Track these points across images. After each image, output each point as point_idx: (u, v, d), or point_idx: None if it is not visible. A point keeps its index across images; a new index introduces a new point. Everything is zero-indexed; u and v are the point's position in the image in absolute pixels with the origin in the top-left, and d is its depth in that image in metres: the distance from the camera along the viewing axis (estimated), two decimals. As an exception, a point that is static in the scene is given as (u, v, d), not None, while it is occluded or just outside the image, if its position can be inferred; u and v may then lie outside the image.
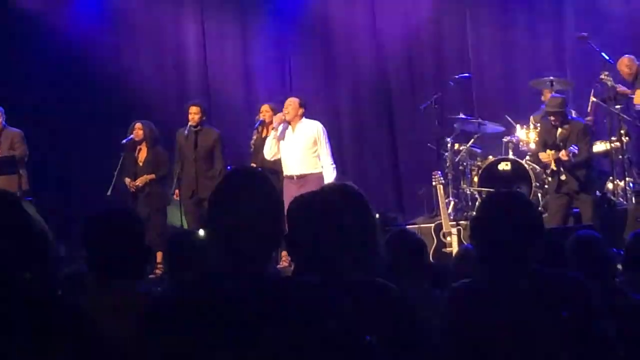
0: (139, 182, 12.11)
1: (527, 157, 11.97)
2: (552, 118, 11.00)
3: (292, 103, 11.15)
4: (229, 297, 2.83)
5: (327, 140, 11.15)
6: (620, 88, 11.70)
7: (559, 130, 10.99)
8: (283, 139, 11.08)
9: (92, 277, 4.03)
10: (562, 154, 10.73)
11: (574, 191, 10.93)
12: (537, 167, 11.83)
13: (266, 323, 2.78)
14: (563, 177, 10.94)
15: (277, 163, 11.22)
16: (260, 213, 2.91)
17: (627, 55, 12.14)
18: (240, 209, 2.91)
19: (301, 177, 10.92)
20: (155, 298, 3.06)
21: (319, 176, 10.91)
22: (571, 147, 10.71)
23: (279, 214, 3.02)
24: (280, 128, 11.09)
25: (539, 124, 11.80)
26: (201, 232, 5.39)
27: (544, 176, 11.57)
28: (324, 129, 11.18)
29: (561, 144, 10.92)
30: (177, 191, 12.11)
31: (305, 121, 11.16)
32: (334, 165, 11.11)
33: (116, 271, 3.89)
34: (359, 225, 3.56)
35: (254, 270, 2.89)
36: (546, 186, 11.51)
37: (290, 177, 11.00)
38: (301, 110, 11.13)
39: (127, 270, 3.93)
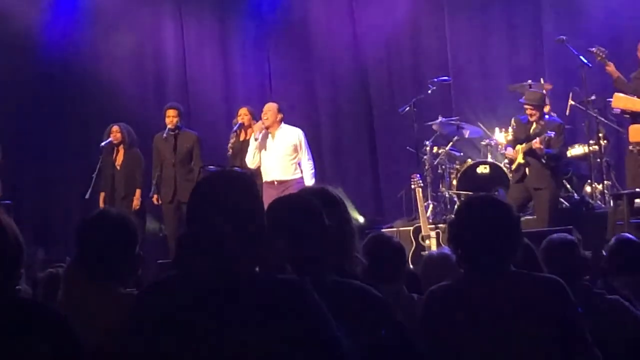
0: (136, 201, 12.09)
1: (505, 161, 11.96)
2: (528, 111, 11.01)
3: (271, 109, 11.20)
4: (207, 297, 2.87)
5: (307, 146, 11.23)
6: (611, 67, 11.66)
7: (534, 125, 11.02)
8: (265, 147, 11.10)
9: (77, 276, 4.03)
10: (535, 142, 10.73)
11: (533, 188, 10.93)
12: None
13: (244, 321, 2.82)
14: (528, 172, 10.95)
15: (257, 167, 11.26)
16: (237, 215, 2.93)
17: None
18: (215, 210, 2.93)
19: (281, 183, 10.95)
20: (139, 295, 3.06)
21: (299, 181, 10.97)
22: (547, 132, 10.72)
23: (258, 215, 3.03)
24: (261, 136, 11.10)
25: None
26: None
27: (509, 172, 11.50)
28: (304, 135, 11.24)
29: (535, 137, 10.96)
30: (156, 196, 12.06)
31: (284, 127, 11.21)
32: (314, 171, 11.18)
33: (103, 273, 3.91)
34: (336, 228, 3.57)
35: (232, 270, 2.91)
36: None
37: (271, 183, 11.04)
38: (280, 116, 11.18)
39: (114, 273, 3.95)
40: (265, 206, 3.22)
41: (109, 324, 3.43)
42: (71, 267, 4.20)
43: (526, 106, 11.06)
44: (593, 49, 11.48)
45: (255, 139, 11.14)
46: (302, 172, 11.15)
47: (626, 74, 11.20)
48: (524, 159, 10.97)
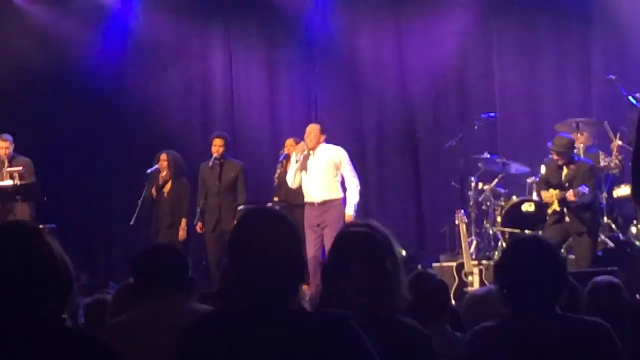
0: (182, 231, 12.13)
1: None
2: (555, 157, 10.98)
3: (313, 130, 11.21)
4: (252, 333, 2.93)
5: (350, 162, 11.19)
6: None
7: (565, 170, 10.95)
8: (305, 168, 11.09)
9: (140, 293, 4.26)
10: (570, 194, 10.65)
11: (576, 233, 10.85)
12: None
13: (290, 355, 2.89)
14: (567, 219, 10.86)
15: (301, 196, 11.26)
16: (277, 253, 3.02)
17: None
18: (256, 249, 3.01)
19: (322, 204, 10.94)
20: (185, 330, 3.12)
21: (340, 202, 10.96)
22: (580, 187, 10.63)
23: (298, 251, 3.10)
24: (302, 157, 11.11)
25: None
26: None
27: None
28: (345, 152, 11.23)
29: (567, 184, 10.87)
30: (200, 224, 12.11)
31: (325, 146, 11.20)
32: (359, 188, 11.15)
33: (164, 289, 4.17)
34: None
35: (275, 306, 2.98)
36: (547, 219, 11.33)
37: (312, 204, 11.03)
38: (322, 137, 11.19)
39: (174, 289, 4.20)
40: (306, 226, 3.28)
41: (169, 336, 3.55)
42: (125, 289, 4.40)
43: (552, 150, 11.03)
44: (638, 94, 11.41)
45: (297, 161, 11.13)
46: (344, 191, 11.12)
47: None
48: (559, 206, 10.90)
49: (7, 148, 12.24)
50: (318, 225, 10.89)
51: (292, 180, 11.21)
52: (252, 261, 3.00)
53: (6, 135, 12.35)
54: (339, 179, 11.16)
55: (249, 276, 3.00)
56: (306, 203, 11.08)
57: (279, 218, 3.15)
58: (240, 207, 11.56)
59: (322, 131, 11.25)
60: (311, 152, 11.15)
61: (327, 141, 11.32)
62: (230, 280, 3.08)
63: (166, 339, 3.58)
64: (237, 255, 3.07)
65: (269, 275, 2.98)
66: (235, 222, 3.31)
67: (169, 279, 4.18)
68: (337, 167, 11.14)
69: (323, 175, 11.07)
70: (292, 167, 11.24)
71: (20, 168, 12.13)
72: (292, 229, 3.13)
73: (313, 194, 11.09)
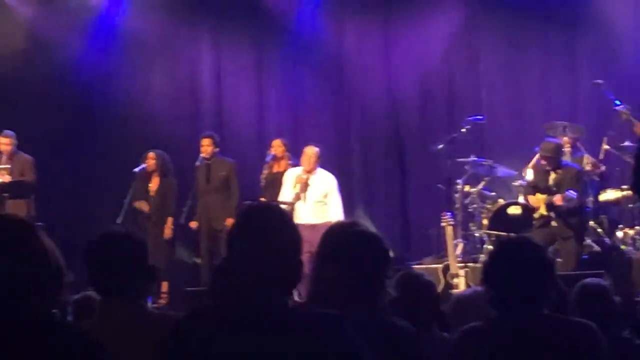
0: (167, 230, 12.11)
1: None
2: (543, 162, 11.00)
3: (313, 154, 11.53)
4: (241, 329, 2.91)
5: (338, 194, 11.42)
6: (638, 127, 11.59)
7: (552, 175, 10.97)
8: (302, 197, 11.25)
9: (98, 299, 4.04)
10: (557, 199, 10.69)
11: (562, 237, 10.88)
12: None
13: (279, 354, 2.86)
14: (554, 224, 10.88)
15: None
16: (277, 252, 2.99)
17: None
18: (257, 245, 2.98)
19: (312, 226, 10.96)
20: (175, 327, 3.08)
21: (330, 224, 10.99)
22: (568, 192, 10.65)
23: (297, 252, 3.08)
24: (299, 186, 11.37)
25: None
26: None
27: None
28: (335, 182, 11.48)
29: (554, 188, 10.90)
30: (192, 223, 12.13)
31: (319, 172, 11.42)
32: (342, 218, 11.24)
33: (119, 291, 3.87)
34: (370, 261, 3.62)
35: (269, 305, 2.95)
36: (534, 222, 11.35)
37: (302, 225, 11.05)
38: (319, 162, 11.33)
39: (130, 289, 3.90)
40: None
41: (139, 342, 3.48)
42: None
43: (540, 155, 11.05)
44: (618, 107, 11.42)
45: (296, 192, 11.33)
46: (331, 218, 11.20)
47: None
48: (547, 210, 10.92)
49: (7, 145, 12.25)
50: (307, 242, 10.86)
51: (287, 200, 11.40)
52: (251, 257, 2.97)
53: (7, 132, 12.36)
54: (328, 205, 11.54)
55: (245, 272, 2.96)
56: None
57: (282, 217, 3.13)
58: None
59: (319, 156, 11.47)
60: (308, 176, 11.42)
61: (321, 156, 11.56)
62: (225, 275, 3.03)
63: (129, 344, 3.57)
64: (236, 250, 3.04)
65: (266, 273, 2.95)
66: (234, 218, 3.28)
67: (126, 271, 3.88)
68: (327, 196, 11.50)
69: (314, 203, 11.46)
70: (288, 190, 11.49)
71: (8, 166, 12.12)
72: (294, 229, 3.12)
73: (303, 216, 11.33)
